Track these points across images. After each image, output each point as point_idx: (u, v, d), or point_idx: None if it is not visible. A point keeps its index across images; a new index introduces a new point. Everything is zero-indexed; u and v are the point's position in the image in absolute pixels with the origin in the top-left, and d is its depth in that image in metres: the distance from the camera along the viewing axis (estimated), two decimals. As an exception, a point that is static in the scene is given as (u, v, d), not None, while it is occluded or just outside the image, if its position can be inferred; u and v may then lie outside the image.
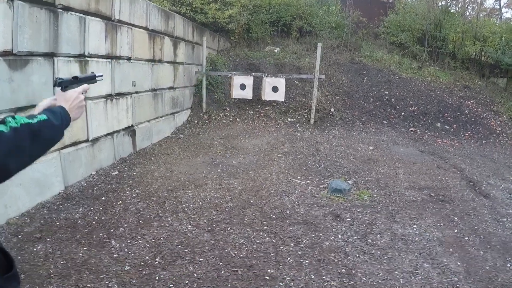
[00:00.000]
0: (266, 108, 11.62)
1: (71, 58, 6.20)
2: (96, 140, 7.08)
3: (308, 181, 7.05)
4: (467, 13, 18.38)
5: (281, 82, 10.93)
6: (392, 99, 12.66)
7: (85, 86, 1.82)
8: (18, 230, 4.70)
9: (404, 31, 16.20)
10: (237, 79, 11.14)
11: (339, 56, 14.45)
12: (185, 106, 11.11)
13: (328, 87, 12.41)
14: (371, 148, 9.38)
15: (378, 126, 11.32)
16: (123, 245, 4.51)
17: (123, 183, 6.63)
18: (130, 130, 8.26)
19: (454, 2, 18.06)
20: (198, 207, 5.78)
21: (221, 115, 11.37)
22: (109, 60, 7.34)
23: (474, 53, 15.90)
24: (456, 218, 5.83)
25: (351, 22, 16.12)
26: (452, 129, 11.79)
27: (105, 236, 4.69)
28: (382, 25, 16.82)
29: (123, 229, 4.93)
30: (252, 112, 11.47)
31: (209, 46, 12.57)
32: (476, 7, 19.21)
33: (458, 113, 12.44)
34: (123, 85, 7.83)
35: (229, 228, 5.12)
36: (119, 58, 7.63)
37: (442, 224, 5.59)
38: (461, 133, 11.62)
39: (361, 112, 11.87)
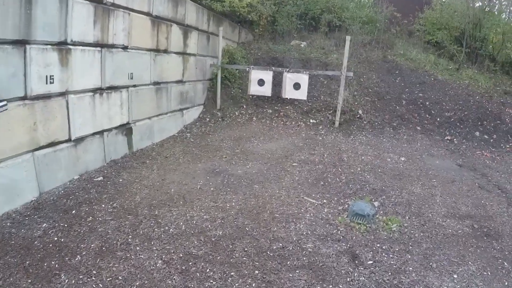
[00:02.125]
0: (287, 107, 10.08)
1: (48, 46, 5.12)
2: (80, 140, 5.99)
3: (325, 201, 5.57)
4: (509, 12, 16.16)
5: (303, 79, 9.37)
6: (427, 103, 10.91)
7: None
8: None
9: (440, 30, 14.34)
10: (255, 74, 9.64)
11: (370, 53, 12.74)
12: (197, 101, 9.71)
13: (357, 86, 10.75)
14: (402, 159, 7.74)
15: (411, 133, 9.61)
16: (73, 281, 3.53)
17: (104, 192, 5.43)
18: (125, 129, 7.04)
19: (497, 2, 15.88)
20: (178, 233, 4.45)
21: (236, 113, 9.90)
22: (99, 48, 6.19)
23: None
24: (506, 264, 4.37)
25: (384, 18, 14.35)
26: (492, 140, 9.98)
27: (57, 266, 3.73)
28: (417, 22, 14.94)
29: (80, 257, 3.88)
30: (270, 111, 9.96)
31: (227, 37, 11.12)
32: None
33: (498, 122, 10.62)
34: (116, 77, 6.63)
35: (208, 270, 3.79)
36: (111, 46, 6.48)
37: (489, 273, 4.15)
38: (502, 145, 9.82)
39: (392, 116, 10.17)
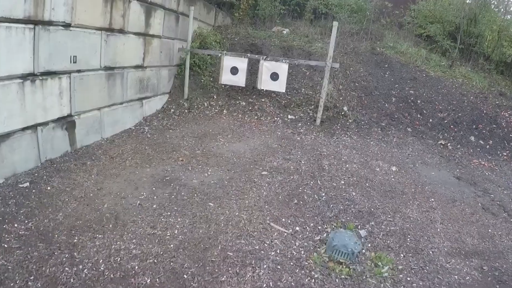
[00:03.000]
0: (262, 100, 8.58)
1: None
2: (5, 136, 4.67)
3: (298, 228, 4.16)
4: (507, 9, 14.84)
5: (282, 68, 7.88)
6: (418, 101, 9.55)
7: None
8: None
9: (433, 23, 13.00)
10: (228, 61, 8.11)
11: (358, 44, 11.32)
12: (161, 90, 8.17)
13: (343, 79, 9.30)
14: (393, 169, 6.37)
15: (401, 135, 8.24)
16: None
17: (24, 204, 4.20)
18: (66, 122, 5.67)
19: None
20: (93, 278, 3.15)
21: (205, 104, 8.38)
22: (31, 26, 4.79)
23: (511, 57, 12.58)
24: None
25: (374, 7, 12.87)
26: (487, 146, 8.74)
27: None
28: (408, 14, 13.55)
29: None
30: (243, 104, 8.45)
31: (201, 19, 9.54)
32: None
33: (494, 126, 9.38)
34: (54, 60, 5.33)
35: None
36: (48, 23, 5.09)
37: None
38: (499, 152, 8.58)
39: (380, 115, 8.77)
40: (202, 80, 8.85)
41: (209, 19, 10.28)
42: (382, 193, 5.38)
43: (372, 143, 7.66)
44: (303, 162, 6.08)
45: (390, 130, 8.44)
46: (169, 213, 4.23)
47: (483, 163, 7.87)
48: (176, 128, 7.27)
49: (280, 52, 9.83)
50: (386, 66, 10.65)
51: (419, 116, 9.25)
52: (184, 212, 4.26)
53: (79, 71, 5.75)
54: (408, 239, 4.32)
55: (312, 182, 5.36)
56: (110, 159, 5.68)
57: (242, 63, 8.17)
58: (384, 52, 11.26)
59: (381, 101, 9.31)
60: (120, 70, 6.78)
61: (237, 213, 4.32)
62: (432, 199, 5.47)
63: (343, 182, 5.53)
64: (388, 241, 4.23)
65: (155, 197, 4.57)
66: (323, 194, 5.07)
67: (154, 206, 4.37)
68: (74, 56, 5.58)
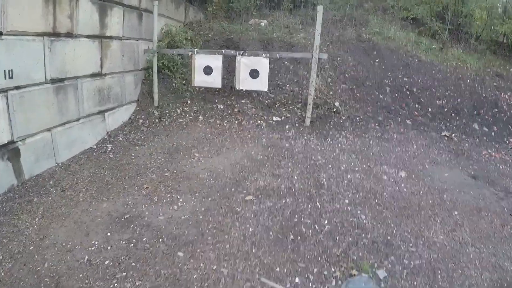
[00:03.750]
0: (242, 101, 7.38)
1: None
2: None
3: (298, 280, 3.00)
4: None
5: (263, 64, 6.69)
6: (414, 89, 8.49)
7: None
8: None
9: (419, 4, 11.86)
10: (200, 59, 6.89)
11: (342, 32, 10.15)
12: (126, 99, 6.95)
13: (331, 71, 8.15)
14: (402, 175, 5.28)
15: (401, 129, 7.15)
16: None
17: None
18: (8, 151, 4.63)
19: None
20: None
21: (178, 110, 7.17)
22: None
23: (503, 34, 11.56)
24: None
25: (356, -8, 11.74)
26: (493, 133, 7.77)
27: None
28: (391, -3, 12.46)
29: None
30: (222, 107, 7.24)
31: (169, 15, 8.30)
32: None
33: (496, 110, 8.45)
34: None
35: None
36: None
37: None
38: (505, 139, 7.67)
39: (376, 108, 7.67)
40: (174, 84, 7.61)
41: (178, 15, 9.00)
42: (396, 211, 4.25)
43: (371, 142, 6.54)
44: (295, 177, 4.91)
45: (389, 125, 7.33)
46: (124, 273, 3.06)
47: (493, 154, 6.84)
48: (144, 143, 6.04)
49: (260, 46, 8.63)
50: (375, 53, 9.53)
51: (417, 105, 8.18)
52: (145, 271, 3.09)
53: (17, 87, 4.59)
54: (439, 277, 3.23)
55: (310, 206, 4.21)
56: (61, 192, 4.48)
57: (216, 61, 6.94)
58: (371, 38, 10.13)
59: (375, 93, 8.20)
60: (72, 81, 5.56)
61: (215, 267, 3.15)
62: (455, 212, 4.38)
63: (347, 201, 4.38)
64: (415, 282, 3.13)
65: (109, 248, 3.39)
66: (325, 221, 3.93)
67: (107, 262, 3.20)
68: (9, 71, 4.42)
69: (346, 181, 4.92)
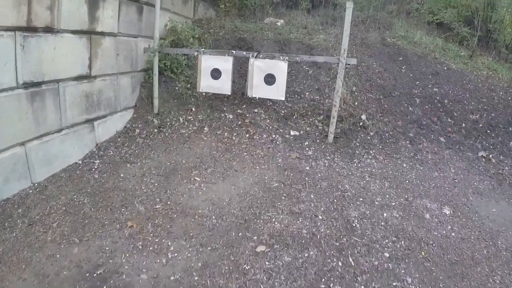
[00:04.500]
0: (255, 111, 6.25)
1: None
2: None
3: None
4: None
5: (280, 68, 5.58)
6: (445, 101, 7.33)
7: None
8: None
9: (447, 7, 10.63)
10: (207, 61, 5.79)
11: (366, 34, 8.94)
12: (121, 105, 5.88)
13: (355, 78, 7.00)
14: (446, 212, 4.20)
15: (435, 148, 6.03)
16: None
17: None
18: None
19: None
20: None
21: (180, 119, 6.07)
22: None
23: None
24: None
25: (380, -8, 10.57)
26: (533, 152, 6.52)
27: None
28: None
29: None
30: (231, 117, 6.12)
31: (175, 11, 7.22)
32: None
33: (534, 127, 7.13)
34: None
35: None
36: None
37: None
38: (548, 160, 6.35)
39: (406, 122, 6.50)
40: (177, 88, 6.52)
41: (186, 11, 7.89)
42: (447, 269, 3.15)
43: (405, 165, 5.39)
44: (320, 216, 3.79)
45: (421, 143, 6.17)
46: None
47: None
48: (137, 160, 4.96)
49: (276, 48, 7.51)
50: (401, 59, 8.36)
51: (449, 120, 7.00)
52: None
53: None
54: None
55: (340, 263, 3.10)
56: (28, 226, 3.45)
57: (225, 63, 5.84)
58: (396, 42, 8.96)
59: (404, 104, 7.02)
60: (52, 85, 4.53)
61: None
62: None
63: (387, 255, 3.26)
64: None
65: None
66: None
67: None
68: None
69: (382, 223, 3.78)
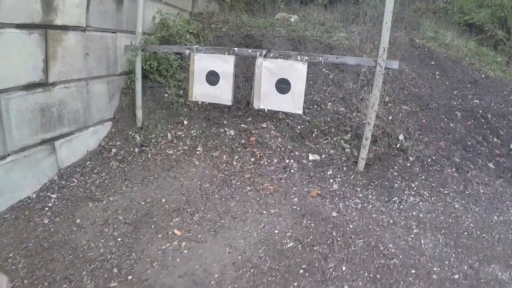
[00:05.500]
0: (263, 126, 4.79)
1: None
2: None
3: None
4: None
5: (296, 71, 4.18)
6: (489, 115, 5.95)
7: None
8: None
9: (481, 7, 9.19)
10: (202, 62, 4.40)
11: (393, 34, 7.41)
12: (93, 118, 4.53)
13: (386, 84, 5.47)
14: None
15: (485, 177, 4.66)
16: None
17: None
18: None
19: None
20: None
21: (168, 135, 4.66)
22: None
23: None
24: None
25: (405, -13, 9.08)
26: None
27: None
28: (444, -3, 9.82)
29: None
30: (232, 134, 4.68)
31: (168, 1, 5.74)
32: None
33: None
34: None
35: None
36: None
37: None
38: None
39: (448, 142, 5.08)
40: (166, 95, 5.09)
41: (182, 3, 6.44)
42: None
43: (457, 205, 3.95)
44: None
45: (469, 170, 4.70)
46: None
47: None
48: (104, 196, 3.57)
49: (289, 46, 6.06)
50: (433, 63, 6.90)
51: (495, 140, 5.54)
52: None
53: None
54: None
55: None
56: None
57: (225, 65, 4.41)
58: (425, 44, 7.47)
59: (444, 119, 5.56)
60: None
61: None
62: None
63: None
64: None
65: None
66: None
67: None
68: None
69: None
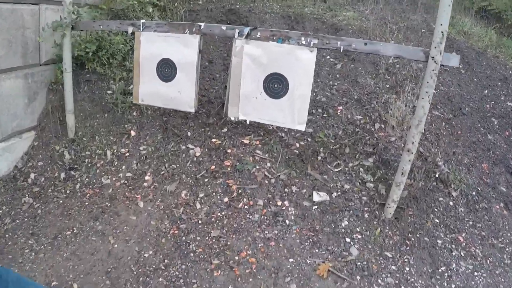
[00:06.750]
0: (244, 141, 3.15)
1: None
2: None
3: None
4: None
5: (300, 63, 2.59)
6: (527, 122, 4.32)
7: None
8: None
9: (500, -7, 7.72)
10: (150, 45, 2.71)
11: (406, 17, 5.91)
12: (5, 130, 2.96)
13: (410, 81, 3.90)
14: None
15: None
16: None
17: None
18: None
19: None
20: None
21: (108, 153, 2.98)
22: None
23: None
24: None
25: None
26: None
27: None
28: (459, -19, 8.29)
29: None
30: (198, 153, 3.05)
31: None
32: None
33: None
34: None
35: None
36: None
37: None
38: None
39: (490, 162, 3.63)
40: (109, 93, 3.42)
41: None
42: None
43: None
44: None
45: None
46: None
47: None
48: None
49: (283, 25, 4.42)
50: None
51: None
52: None
53: None
54: None
55: None
56: None
57: (185, 50, 2.77)
58: (443, 30, 5.81)
59: (480, 128, 4.09)
60: None
61: None
62: None
63: None
64: None
65: None
66: None
67: None
68: None
69: None
